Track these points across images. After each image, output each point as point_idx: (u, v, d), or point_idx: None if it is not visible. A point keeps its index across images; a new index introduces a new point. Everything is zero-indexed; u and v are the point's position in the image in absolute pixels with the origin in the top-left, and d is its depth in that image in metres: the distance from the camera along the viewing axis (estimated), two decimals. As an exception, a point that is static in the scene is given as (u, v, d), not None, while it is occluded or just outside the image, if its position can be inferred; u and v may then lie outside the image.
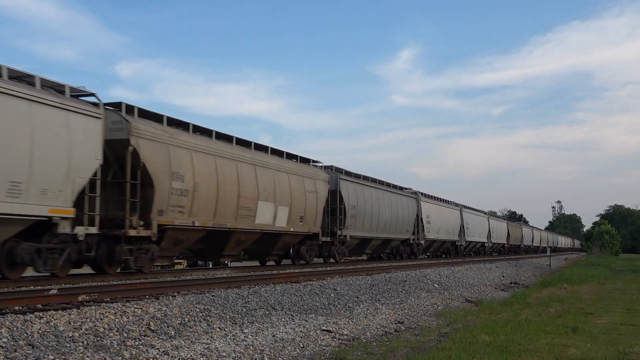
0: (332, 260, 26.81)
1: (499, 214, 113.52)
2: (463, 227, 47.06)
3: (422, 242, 37.60)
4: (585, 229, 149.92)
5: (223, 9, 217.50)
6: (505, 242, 66.24)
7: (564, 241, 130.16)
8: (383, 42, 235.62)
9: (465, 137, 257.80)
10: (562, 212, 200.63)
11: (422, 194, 38.62)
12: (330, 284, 16.05)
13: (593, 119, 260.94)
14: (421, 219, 37.25)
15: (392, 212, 32.42)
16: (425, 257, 42.10)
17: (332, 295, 14.65)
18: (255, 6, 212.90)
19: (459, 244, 46.68)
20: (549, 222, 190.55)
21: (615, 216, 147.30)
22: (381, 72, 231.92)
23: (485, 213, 60.79)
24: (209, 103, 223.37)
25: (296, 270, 19.49)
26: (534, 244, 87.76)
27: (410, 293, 17.88)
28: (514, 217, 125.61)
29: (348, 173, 28.25)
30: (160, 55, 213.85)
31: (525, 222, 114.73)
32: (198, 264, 24.01)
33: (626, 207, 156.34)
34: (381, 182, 32.43)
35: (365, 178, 30.19)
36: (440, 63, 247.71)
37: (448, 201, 45.76)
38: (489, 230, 56.73)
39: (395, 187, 34.51)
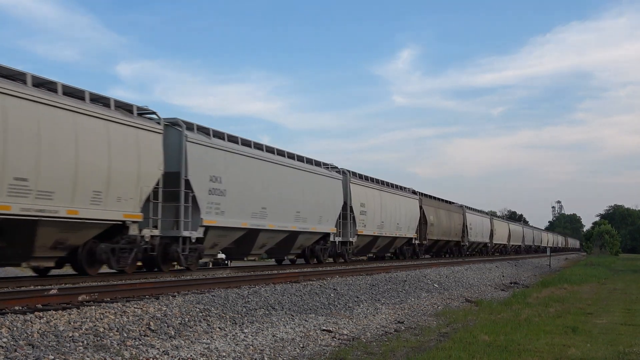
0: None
1: (499, 214, 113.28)
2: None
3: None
4: (585, 229, 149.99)
5: (223, 9, 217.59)
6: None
7: (553, 239, 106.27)
8: (383, 42, 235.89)
9: (465, 137, 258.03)
10: (562, 212, 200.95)
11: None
12: (330, 284, 16.05)
13: (593, 119, 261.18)
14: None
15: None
16: (428, 257, 42.09)
17: (332, 295, 14.65)
18: (255, 6, 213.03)
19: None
20: (549, 222, 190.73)
21: (615, 216, 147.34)
22: (381, 72, 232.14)
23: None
24: (209, 103, 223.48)
25: (296, 270, 19.50)
26: (494, 241, 56.82)
27: (410, 293, 17.87)
28: (514, 217, 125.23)
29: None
30: (160, 56, 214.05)
31: (526, 222, 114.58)
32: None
33: (626, 207, 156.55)
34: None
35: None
36: (440, 63, 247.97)
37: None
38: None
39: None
